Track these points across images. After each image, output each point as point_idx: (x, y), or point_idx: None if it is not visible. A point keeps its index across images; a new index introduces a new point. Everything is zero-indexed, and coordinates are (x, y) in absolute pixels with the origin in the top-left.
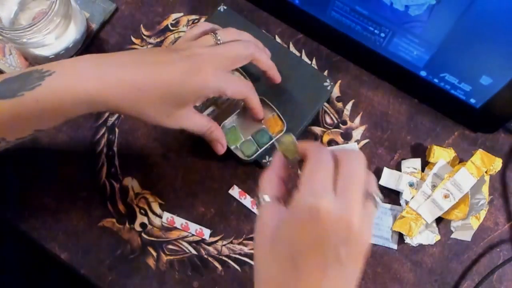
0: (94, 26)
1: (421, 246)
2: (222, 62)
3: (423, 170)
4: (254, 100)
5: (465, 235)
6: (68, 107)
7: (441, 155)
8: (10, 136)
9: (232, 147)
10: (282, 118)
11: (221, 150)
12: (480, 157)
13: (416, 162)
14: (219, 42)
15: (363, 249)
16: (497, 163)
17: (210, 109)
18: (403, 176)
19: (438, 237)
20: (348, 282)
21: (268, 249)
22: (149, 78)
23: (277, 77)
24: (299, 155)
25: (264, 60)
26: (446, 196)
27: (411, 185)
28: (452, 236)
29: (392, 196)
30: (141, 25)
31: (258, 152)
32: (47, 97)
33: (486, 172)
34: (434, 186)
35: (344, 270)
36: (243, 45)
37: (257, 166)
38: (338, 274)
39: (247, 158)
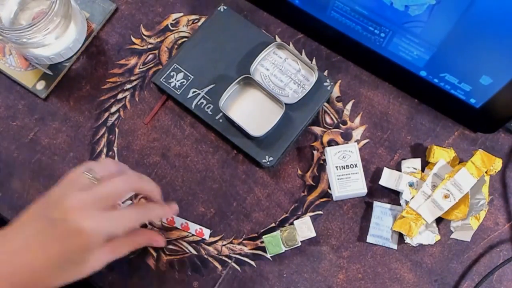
0: (94, 26)
1: (421, 246)
2: (100, 204)
3: (423, 170)
4: (144, 184)
5: (465, 236)
6: None
7: (441, 155)
8: None
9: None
10: (279, 99)
11: (161, 243)
12: (480, 157)
13: (416, 162)
14: (95, 182)
15: None
16: (497, 163)
17: (198, 98)
18: (403, 176)
19: (438, 237)
20: None
21: None
22: (36, 256)
23: (166, 211)
24: None
25: (148, 189)
26: (446, 196)
27: (411, 185)
28: (452, 236)
29: (392, 196)
30: (141, 25)
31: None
32: None
33: (486, 172)
34: (434, 186)
35: None
36: (122, 180)
37: (257, 166)
38: None
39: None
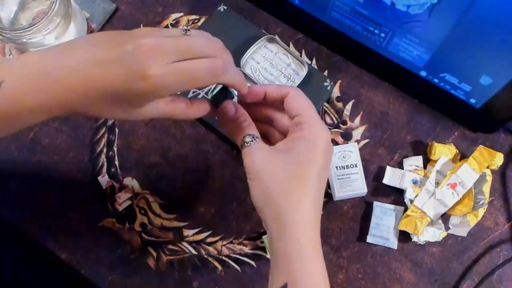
0: (94, 26)
1: (421, 246)
2: (178, 53)
3: (425, 167)
4: (229, 78)
5: (461, 232)
6: (24, 117)
7: (442, 152)
8: None
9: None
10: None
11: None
12: (481, 152)
13: (418, 160)
14: (186, 34)
15: None
16: (498, 158)
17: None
18: (406, 174)
19: (444, 233)
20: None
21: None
22: (92, 80)
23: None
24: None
25: (234, 80)
26: (450, 193)
27: (414, 182)
28: (449, 232)
29: (392, 195)
30: (141, 25)
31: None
32: (1, 107)
33: (487, 167)
34: (437, 183)
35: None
36: (209, 69)
37: None
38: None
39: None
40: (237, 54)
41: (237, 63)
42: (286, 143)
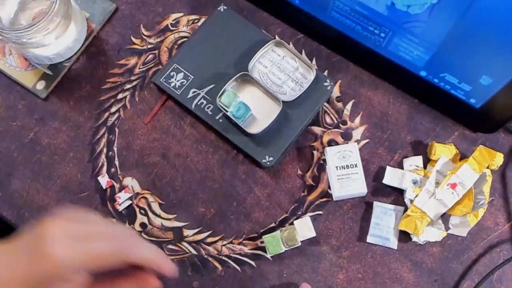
0: (94, 26)
1: (421, 246)
2: (84, 238)
3: (425, 167)
4: (138, 255)
5: (461, 232)
6: None
7: (442, 152)
8: None
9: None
10: (277, 96)
11: (171, 273)
12: (481, 152)
13: (418, 160)
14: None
15: None
16: (498, 158)
17: (198, 98)
18: (406, 174)
19: (444, 233)
20: None
21: None
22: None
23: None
24: None
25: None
26: (450, 193)
27: (414, 182)
28: (449, 232)
29: (392, 195)
30: (141, 25)
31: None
32: None
33: (487, 167)
34: (437, 183)
35: None
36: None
37: (257, 166)
38: None
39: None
40: (237, 54)
41: (244, 67)
42: None
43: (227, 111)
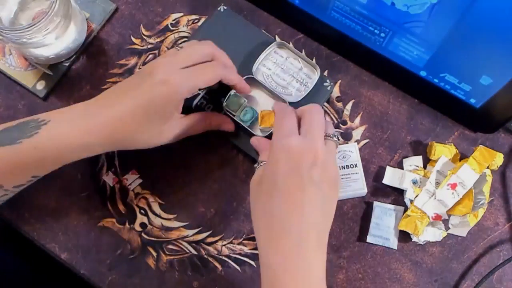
0: (94, 26)
1: (421, 246)
2: (182, 61)
3: (425, 167)
4: (230, 77)
5: (461, 232)
6: (65, 153)
7: (442, 152)
8: (8, 183)
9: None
10: (283, 98)
11: (231, 128)
12: (481, 152)
13: (418, 160)
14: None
15: (332, 176)
16: (498, 158)
17: (198, 98)
18: (406, 174)
19: (445, 233)
20: (324, 202)
21: (256, 188)
22: (126, 107)
23: (246, 89)
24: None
25: (232, 77)
26: (450, 193)
27: (414, 182)
28: (449, 232)
29: (392, 195)
30: (141, 25)
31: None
32: (45, 144)
33: (488, 167)
34: (437, 183)
35: (319, 190)
36: (211, 66)
37: None
38: (315, 192)
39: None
40: (238, 55)
41: (247, 71)
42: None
43: (234, 115)
